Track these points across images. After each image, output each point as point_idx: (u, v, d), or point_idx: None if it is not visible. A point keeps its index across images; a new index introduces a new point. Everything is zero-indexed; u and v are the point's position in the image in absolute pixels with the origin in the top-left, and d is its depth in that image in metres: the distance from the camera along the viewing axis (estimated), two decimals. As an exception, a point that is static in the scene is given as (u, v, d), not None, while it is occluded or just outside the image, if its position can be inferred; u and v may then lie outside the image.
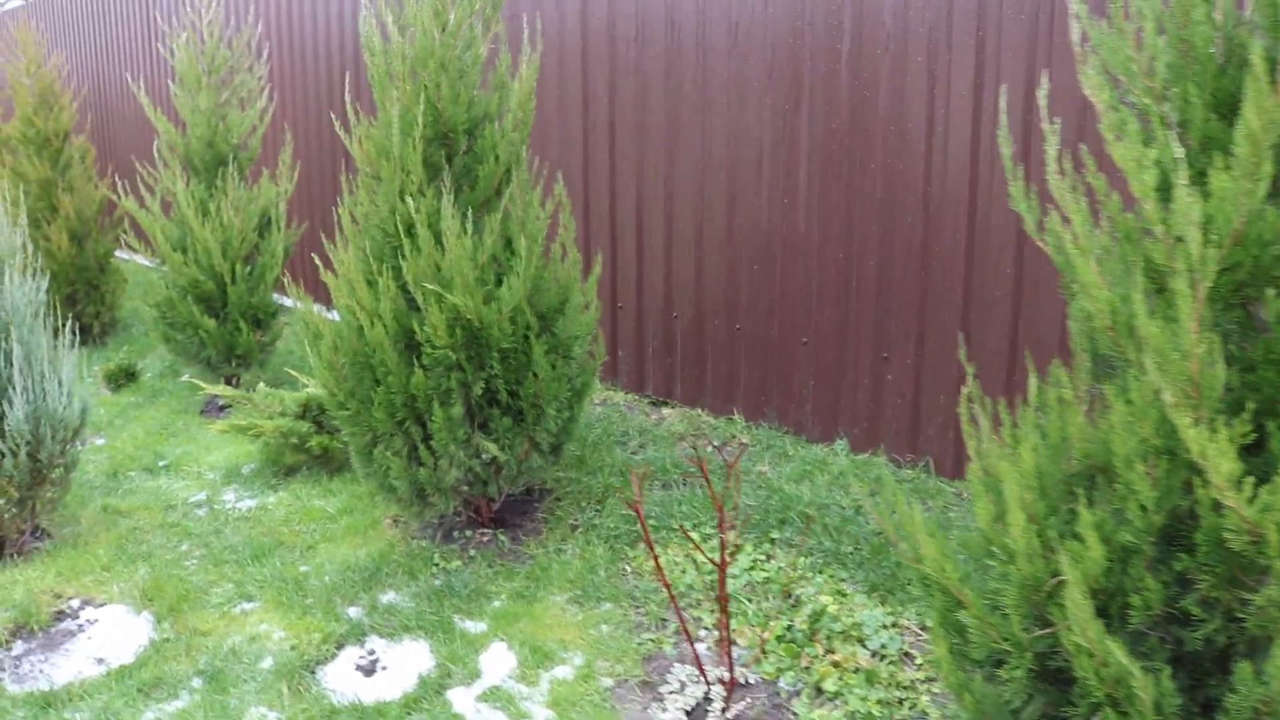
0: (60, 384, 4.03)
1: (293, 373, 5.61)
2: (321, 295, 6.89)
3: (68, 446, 4.10)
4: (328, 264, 6.28)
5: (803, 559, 3.64)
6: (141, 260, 9.80)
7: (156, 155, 5.80)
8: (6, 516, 3.95)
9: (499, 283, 3.72)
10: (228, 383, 5.86)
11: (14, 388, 3.82)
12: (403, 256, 3.55)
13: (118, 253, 7.80)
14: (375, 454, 3.78)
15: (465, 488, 3.84)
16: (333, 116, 4.53)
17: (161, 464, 5.07)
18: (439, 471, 3.72)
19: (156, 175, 5.75)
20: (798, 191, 4.29)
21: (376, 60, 3.76)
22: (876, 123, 3.97)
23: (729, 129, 4.51)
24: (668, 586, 2.91)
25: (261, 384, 4.95)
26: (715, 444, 4.62)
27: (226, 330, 5.61)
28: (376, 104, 3.76)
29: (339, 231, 3.77)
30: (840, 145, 4.11)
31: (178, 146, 5.72)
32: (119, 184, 5.95)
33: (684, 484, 4.23)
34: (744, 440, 4.65)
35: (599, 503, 4.15)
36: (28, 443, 3.88)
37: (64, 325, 4.20)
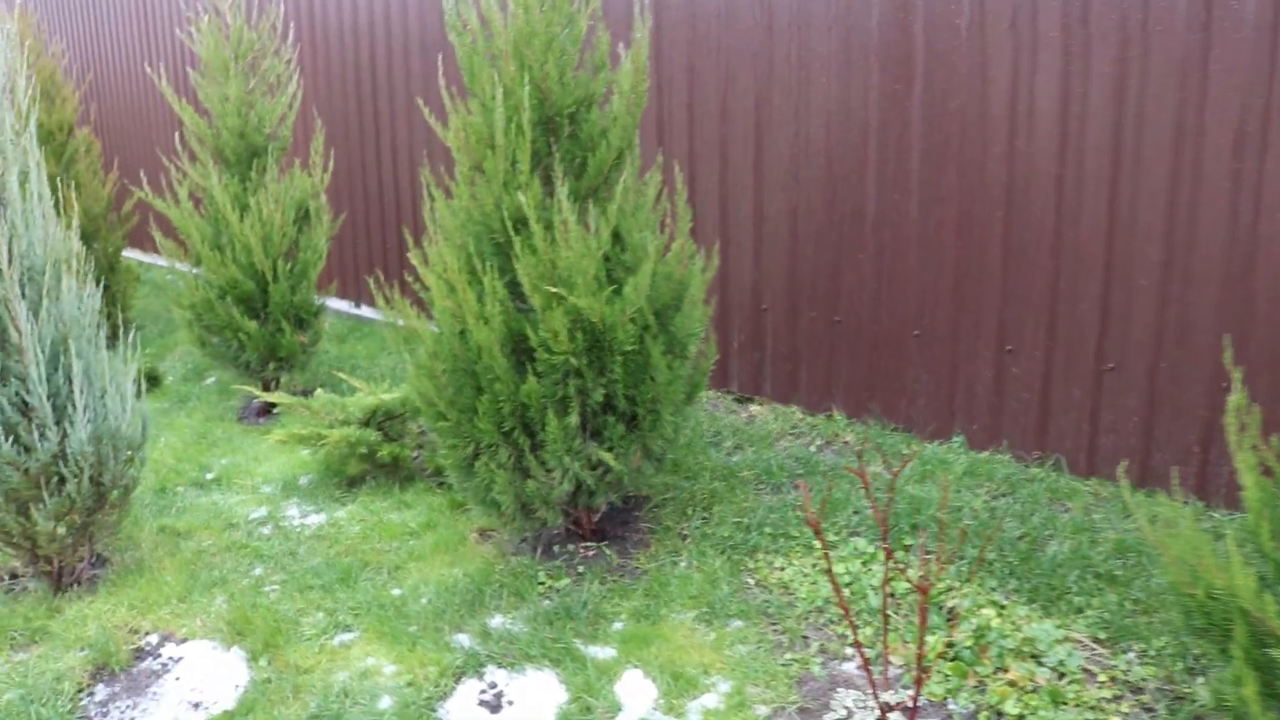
0: (122, 399, 3.70)
1: (340, 375, 5.29)
2: (368, 293, 6.56)
3: (128, 467, 3.77)
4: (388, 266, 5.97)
5: (947, 567, 3.43)
6: (140, 257, 9.36)
7: (181, 148, 5.43)
8: (68, 544, 3.63)
9: (610, 279, 3.45)
10: (265, 387, 5.52)
11: (74, 406, 3.49)
12: (514, 255, 3.27)
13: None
14: (477, 466, 3.50)
15: (569, 499, 3.59)
16: (421, 104, 4.20)
17: (209, 477, 4.74)
18: (549, 484, 3.46)
19: (182, 169, 5.39)
20: (910, 176, 4.04)
21: (466, 41, 3.47)
22: (1002, 104, 3.73)
23: (829, 111, 4.24)
24: (845, 609, 2.67)
25: (320, 389, 4.64)
26: (818, 444, 4.38)
27: (268, 332, 5.27)
28: (468, 89, 3.47)
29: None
30: (959, 127, 3.86)
31: (207, 139, 5.35)
32: (144, 179, 5.58)
33: (795, 488, 4.00)
34: (848, 439, 4.42)
35: (705, 509, 3.91)
36: (91, 465, 3.56)
37: (121, 331, 3.84)
